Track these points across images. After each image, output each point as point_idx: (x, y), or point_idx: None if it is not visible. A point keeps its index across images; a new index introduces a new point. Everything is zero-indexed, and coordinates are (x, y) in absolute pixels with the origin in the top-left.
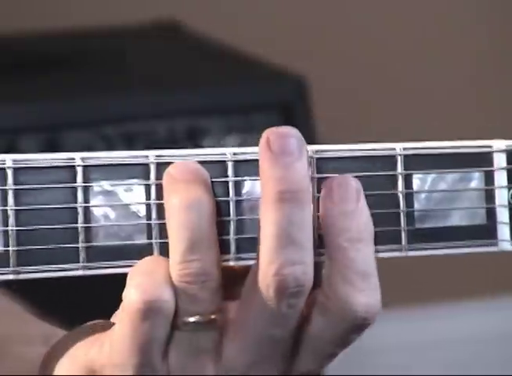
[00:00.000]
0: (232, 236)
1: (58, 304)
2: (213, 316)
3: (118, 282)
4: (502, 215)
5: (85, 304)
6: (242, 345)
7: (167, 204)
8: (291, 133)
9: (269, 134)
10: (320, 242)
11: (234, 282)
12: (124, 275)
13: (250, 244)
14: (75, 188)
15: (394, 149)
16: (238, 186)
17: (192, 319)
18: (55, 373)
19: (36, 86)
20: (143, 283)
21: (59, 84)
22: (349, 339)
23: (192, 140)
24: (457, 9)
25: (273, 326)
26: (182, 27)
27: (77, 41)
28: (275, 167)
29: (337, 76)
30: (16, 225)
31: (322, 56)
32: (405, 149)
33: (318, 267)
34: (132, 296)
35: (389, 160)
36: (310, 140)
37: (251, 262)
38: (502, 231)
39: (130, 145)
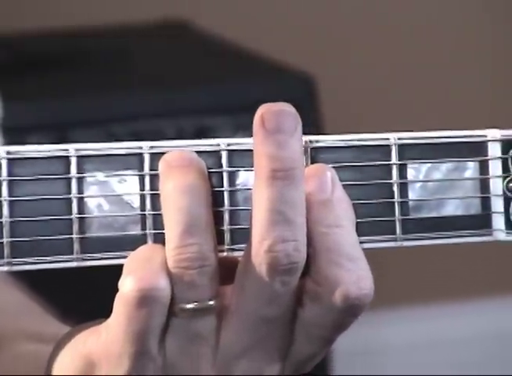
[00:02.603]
0: (226, 227)
1: (78, 307)
2: (211, 302)
3: None
4: (496, 204)
5: (106, 310)
6: (238, 327)
7: (163, 190)
8: (286, 111)
9: (264, 111)
10: None
11: (228, 273)
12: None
13: (245, 235)
14: (69, 179)
15: (388, 139)
16: (232, 176)
17: (189, 306)
18: (56, 366)
19: (43, 85)
20: (139, 270)
21: (67, 83)
22: (345, 323)
23: (200, 139)
24: (468, 8)
25: (267, 305)
26: (188, 25)
27: (84, 40)
28: (269, 144)
29: (344, 74)
30: (10, 217)
31: (330, 54)
32: (399, 138)
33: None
34: (128, 284)
35: (383, 150)
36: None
37: None
38: (497, 221)
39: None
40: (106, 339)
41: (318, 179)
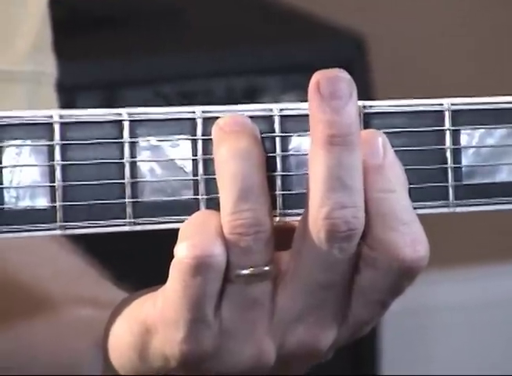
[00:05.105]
0: (278, 192)
1: (134, 273)
2: (266, 268)
3: None
4: None
5: (162, 275)
6: (294, 293)
7: (217, 155)
8: (341, 76)
9: (319, 77)
10: None
11: (284, 239)
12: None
13: (297, 200)
14: (122, 143)
15: (442, 104)
16: (285, 141)
17: (245, 272)
18: (113, 333)
19: (95, 44)
20: (194, 237)
21: (118, 42)
22: (401, 287)
23: (250, 99)
24: None
25: (325, 271)
26: None
27: (137, 0)
28: (325, 110)
29: (395, 35)
30: (63, 181)
31: (382, 15)
32: (453, 104)
33: None
34: (183, 251)
35: (437, 116)
36: (368, 99)
37: (298, 219)
38: None
39: (187, 104)
40: (163, 305)
41: (369, 145)
